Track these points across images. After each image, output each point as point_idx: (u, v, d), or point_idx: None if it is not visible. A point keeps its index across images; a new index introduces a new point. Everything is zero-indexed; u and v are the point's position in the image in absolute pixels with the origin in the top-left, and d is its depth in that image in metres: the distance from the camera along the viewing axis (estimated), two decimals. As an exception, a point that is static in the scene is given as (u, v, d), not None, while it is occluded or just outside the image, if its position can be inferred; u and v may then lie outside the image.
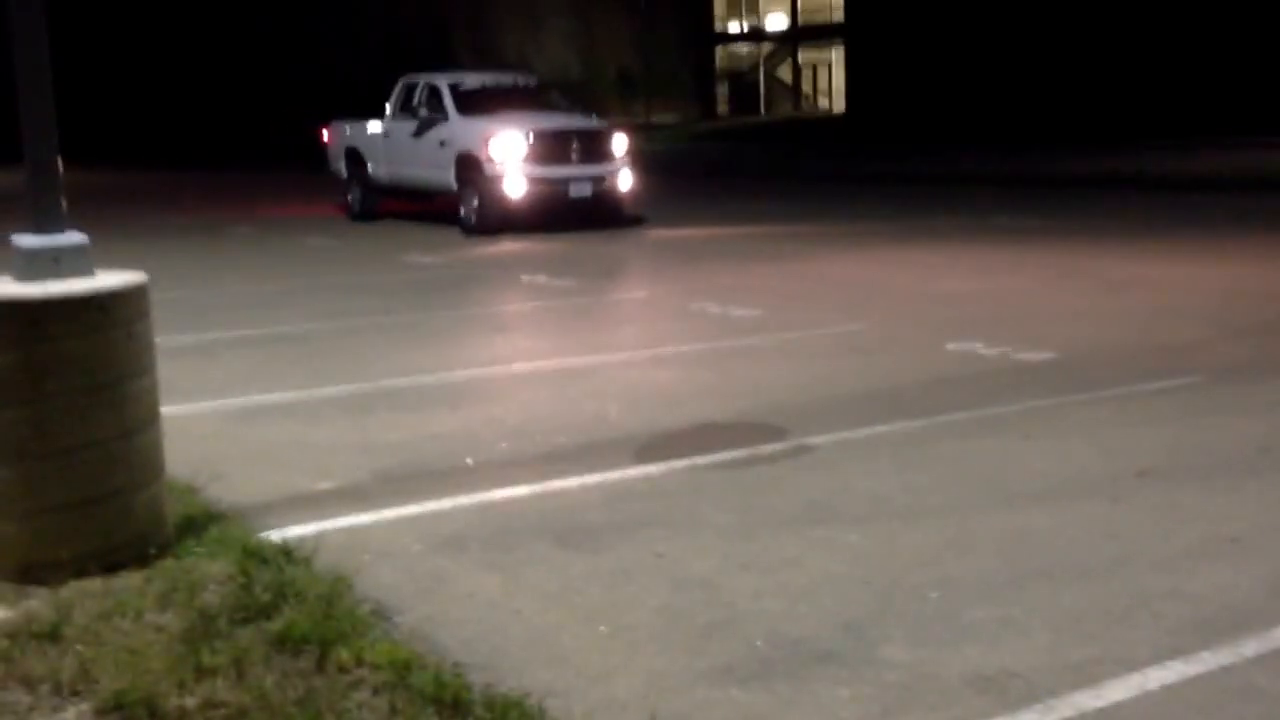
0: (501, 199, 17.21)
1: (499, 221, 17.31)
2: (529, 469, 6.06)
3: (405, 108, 19.36)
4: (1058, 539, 4.93)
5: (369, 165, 20.11)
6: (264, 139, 43.46)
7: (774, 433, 6.60)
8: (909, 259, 13.78)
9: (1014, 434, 6.51)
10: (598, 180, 17.79)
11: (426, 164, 18.55)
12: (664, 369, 8.41)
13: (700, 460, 6.15)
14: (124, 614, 4.18)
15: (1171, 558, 4.68)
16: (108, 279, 4.67)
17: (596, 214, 17.88)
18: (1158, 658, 3.84)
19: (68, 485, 4.50)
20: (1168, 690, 3.65)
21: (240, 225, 20.26)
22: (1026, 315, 9.96)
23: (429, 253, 15.69)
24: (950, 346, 8.73)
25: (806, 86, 59.65)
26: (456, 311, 11.41)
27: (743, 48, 61.84)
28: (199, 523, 5.06)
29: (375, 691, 3.67)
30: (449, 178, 18.03)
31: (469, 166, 17.63)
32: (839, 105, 54.31)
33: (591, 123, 19.08)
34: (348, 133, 20.94)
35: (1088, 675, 3.74)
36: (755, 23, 60.77)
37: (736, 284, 12.24)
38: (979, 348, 8.65)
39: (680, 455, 6.24)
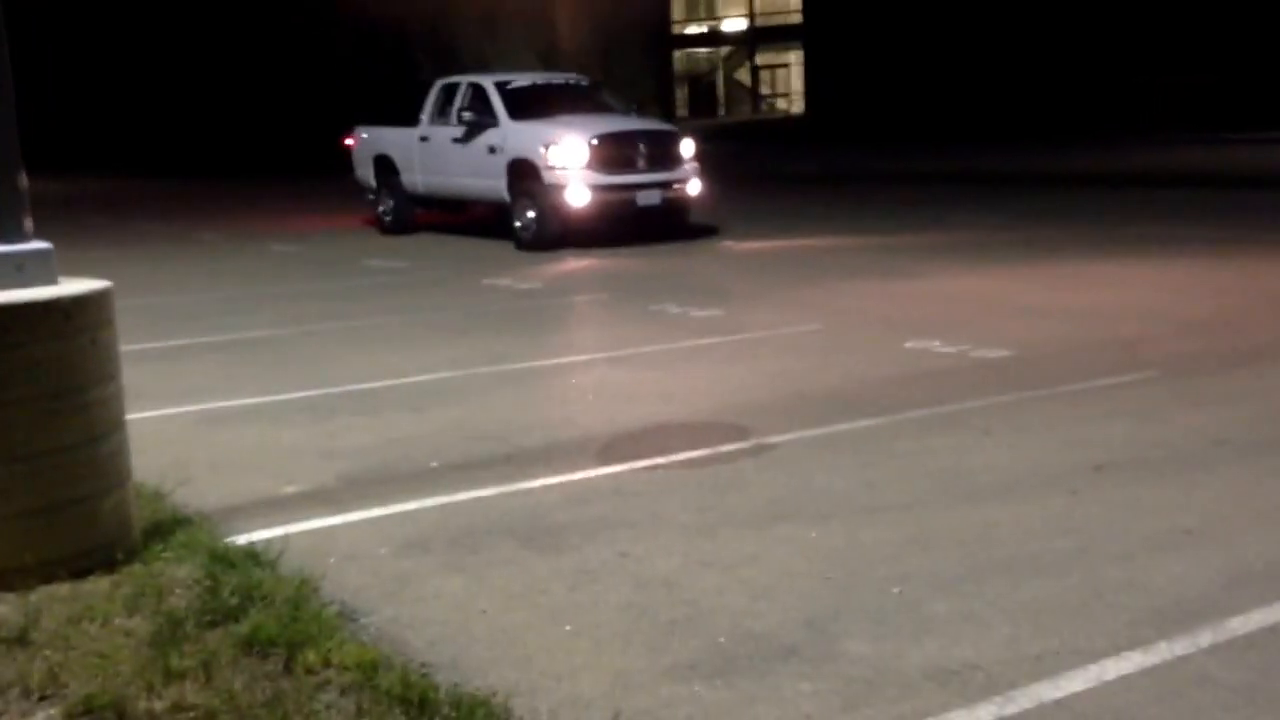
0: (563, 210, 15.61)
1: (559, 234, 15.74)
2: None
3: (444, 111, 17.71)
4: (1017, 533, 5.01)
5: (402, 174, 18.36)
6: (244, 146, 43.23)
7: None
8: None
9: (973, 430, 6.59)
10: (666, 187, 16.14)
11: (472, 172, 16.92)
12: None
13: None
14: (92, 618, 4.19)
15: (1128, 550, 4.77)
16: (72, 286, 4.68)
17: (665, 224, 16.38)
18: (1115, 649, 3.91)
19: (33, 491, 4.50)
20: (1125, 681, 3.72)
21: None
22: (983, 312, 10.05)
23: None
24: (908, 345, 8.82)
25: (765, 88, 59.87)
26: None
27: (701, 50, 62.01)
28: (166, 527, 5.07)
29: (342, 692, 3.69)
30: (500, 187, 16.40)
31: (525, 175, 16.00)
32: (797, 106, 54.54)
33: (659, 125, 17.94)
34: (376, 138, 19.19)
35: (1046, 667, 3.81)
36: (713, 25, 60.95)
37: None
38: (936, 345, 8.74)
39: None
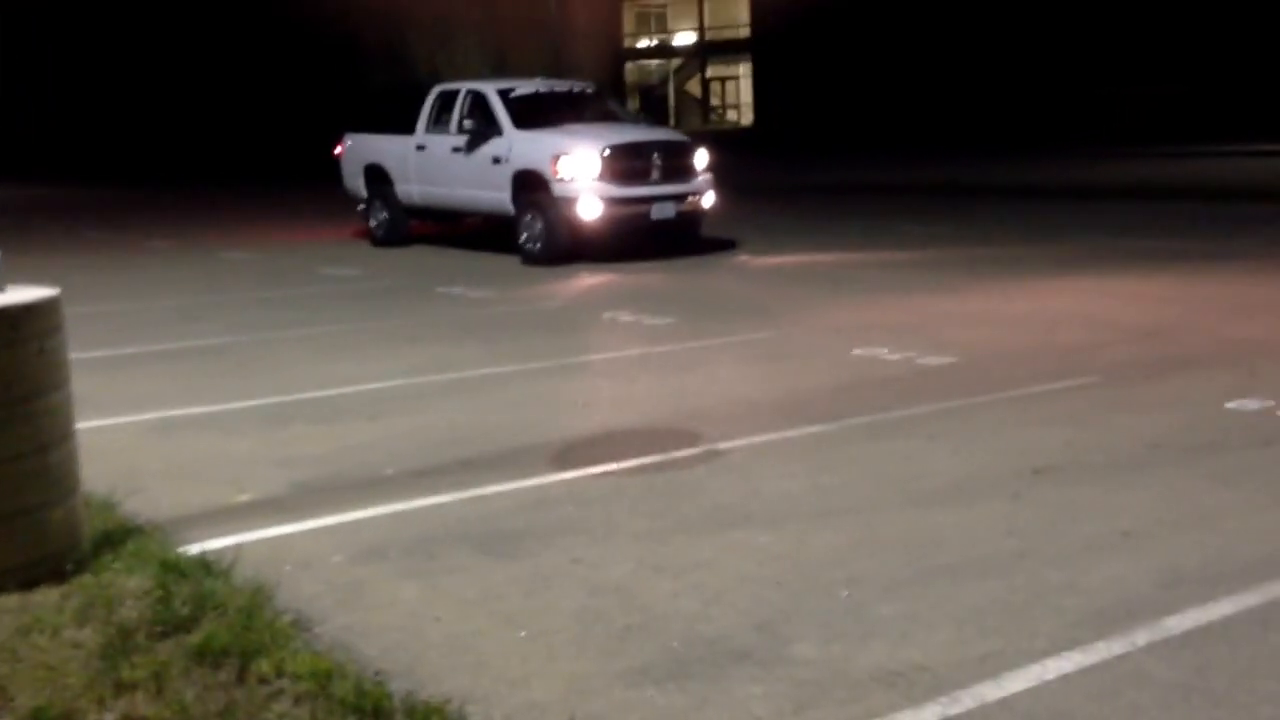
0: (573, 223, 14.86)
1: (568, 248, 14.97)
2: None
3: (441, 120, 16.91)
4: (961, 536, 5.10)
5: (396, 184, 17.57)
6: (202, 153, 42.93)
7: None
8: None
9: (919, 435, 6.69)
10: (681, 199, 15.38)
11: (474, 183, 16.12)
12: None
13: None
14: (41, 630, 4.18)
15: (1068, 552, 4.87)
16: (18, 294, 4.67)
17: (679, 238, 15.71)
18: (1056, 649, 4.00)
19: (-18, 501, 4.49)
20: (1065, 680, 3.80)
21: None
22: (929, 321, 10.18)
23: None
24: (856, 352, 8.92)
25: (715, 100, 60.12)
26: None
27: (652, 63, 62.18)
28: (117, 537, 5.06)
29: (296, 702, 3.70)
30: (504, 199, 15.61)
31: (532, 186, 15.24)
32: (746, 118, 54.80)
33: (672, 134, 17.28)
34: (367, 147, 18.31)
35: (990, 667, 3.89)
36: (664, 38, 61.15)
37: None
38: (884, 353, 8.84)
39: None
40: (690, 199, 15.52)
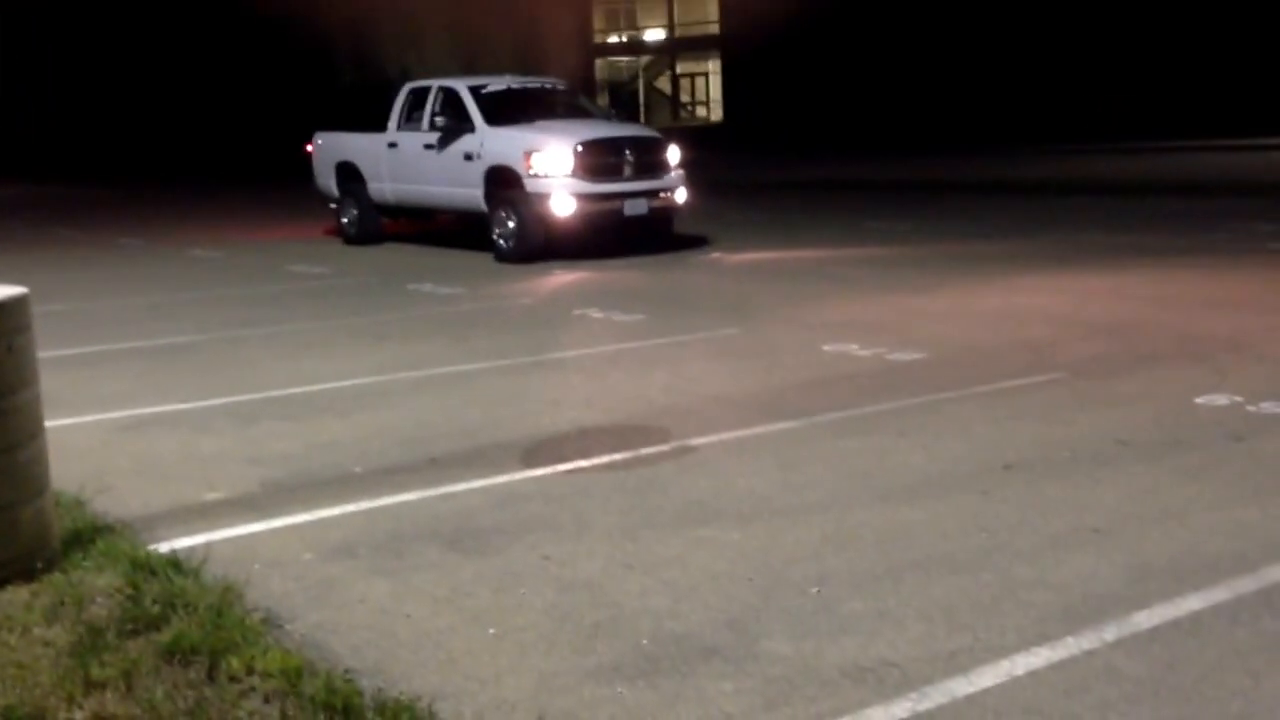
0: (546, 220, 14.85)
1: (541, 246, 14.96)
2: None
3: (413, 117, 16.85)
4: (930, 532, 5.12)
5: (368, 182, 17.52)
6: (180, 153, 42.78)
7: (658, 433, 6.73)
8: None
9: (889, 432, 6.72)
10: (653, 196, 15.35)
11: (446, 180, 16.08)
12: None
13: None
14: (10, 629, 4.16)
15: (1038, 548, 4.90)
16: (-14, 292, 4.65)
17: (651, 235, 15.70)
18: (1025, 644, 4.02)
19: (-50, 501, 4.47)
20: (1034, 675, 3.83)
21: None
22: (899, 317, 10.22)
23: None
24: (826, 348, 8.95)
25: (685, 96, 60.13)
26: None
27: (622, 59, 62.12)
28: (86, 536, 5.04)
29: (266, 700, 3.70)
30: (477, 196, 15.57)
31: (504, 183, 15.20)
32: (716, 114, 54.86)
33: (644, 130, 17.20)
34: (339, 145, 18.21)
35: (959, 663, 3.91)
36: (634, 35, 61.11)
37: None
38: (854, 349, 8.87)
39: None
40: (663, 195, 15.52)
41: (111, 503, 5.59)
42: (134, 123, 47.89)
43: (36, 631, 4.16)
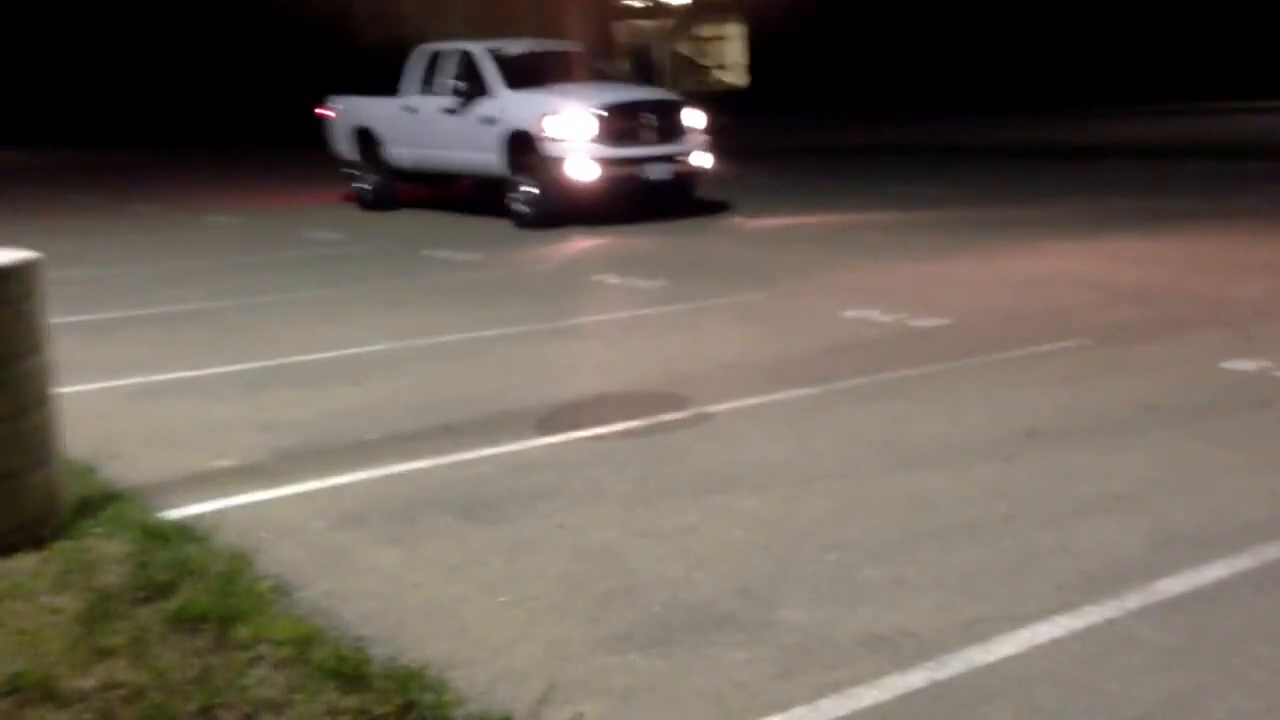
0: (567, 185, 14.66)
1: (560, 211, 14.77)
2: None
3: (431, 81, 16.65)
4: (950, 499, 5.04)
5: (386, 147, 17.42)
6: (193, 118, 42.78)
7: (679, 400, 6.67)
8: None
9: (910, 398, 6.63)
10: (675, 160, 15.18)
11: (465, 145, 15.87)
12: None
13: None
14: (19, 596, 4.15)
15: (1059, 515, 4.81)
16: (-5, 257, 4.61)
17: (673, 200, 15.43)
18: (1045, 613, 3.95)
19: (-42, 467, 4.44)
20: (1055, 644, 3.75)
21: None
22: (921, 282, 10.11)
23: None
24: (847, 314, 8.85)
25: (708, 60, 59.79)
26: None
27: (644, 23, 61.78)
28: (96, 503, 5.01)
29: (275, 667, 3.67)
30: (496, 161, 15.37)
31: (524, 148, 14.97)
32: (738, 78, 54.55)
33: (665, 94, 16.88)
34: (356, 109, 18.13)
35: (978, 632, 3.84)
36: (655, -2, 60.73)
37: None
38: (875, 315, 8.78)
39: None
40: (684, 160, 15.33)
41: (122, 469, 5.57)
42: (147, 88, 47.81)
43: (45, 599, 4.14)
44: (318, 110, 18.92)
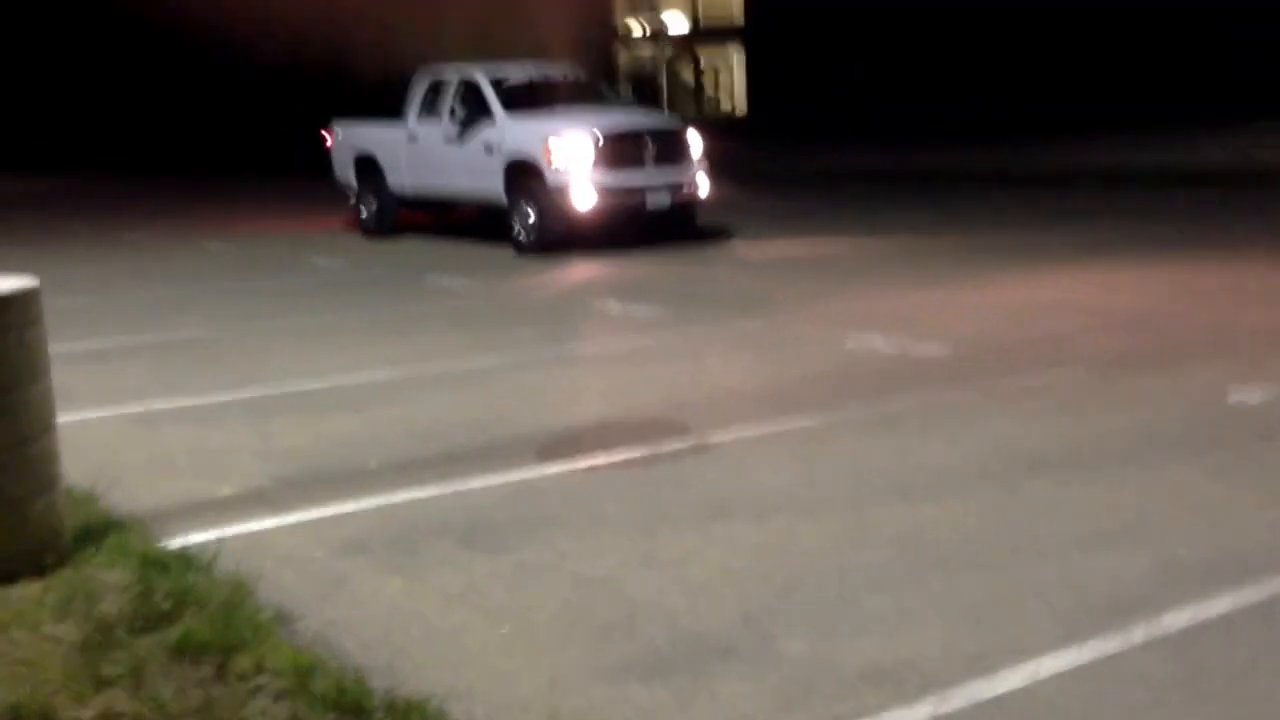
0: (567, 212, 14.59)
1: (562, 238, 14.70)
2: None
3: (432, 107, 16.66)
4: (952, 530, 5.03)
5: (388, 174, 17.36)
6: (197, 144, 42.94)
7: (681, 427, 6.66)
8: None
9: (912, 427, 6.62)
10: (676, 188, 15.17)
11: (466, 172, 15.89)
12: None
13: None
14: (20, 625, 4.13)
15: (1062, 547, 4.80)
16: (-4, 284, 4.61)
17: (674, 227, 15.43)
18: (1050, 646, 3.93)
19: (-41, 495, 4.43)
20: (1059, 678, 3.74)
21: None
22: (923, 310, 10.11)
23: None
24: (848, 343, 8.85)
25: (708, 88, 59.99)
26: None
27: (644, 49, 62.01)
28: (97, 531, 4.99)
29: (276, 698, 3.65)
30: (496, 188, 15.36)
31: (524, 175, 15.00)
32: (740, 106, 54.72)
33: (666, 120, 16.97)
34: (358, 136, 18.06)
35: (982, 665, 3.82)
36: (656, 24, 60.98)
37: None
38: (877, 343, 8.77)
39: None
40: (685, 187, 15.31)
41: (123, 497, 5.55)
42: (147, 114, 47.94)
43: (46, 628, 4.12)
44: (325, 136, 18.92)
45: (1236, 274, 11.47)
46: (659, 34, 60.38)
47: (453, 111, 16.16)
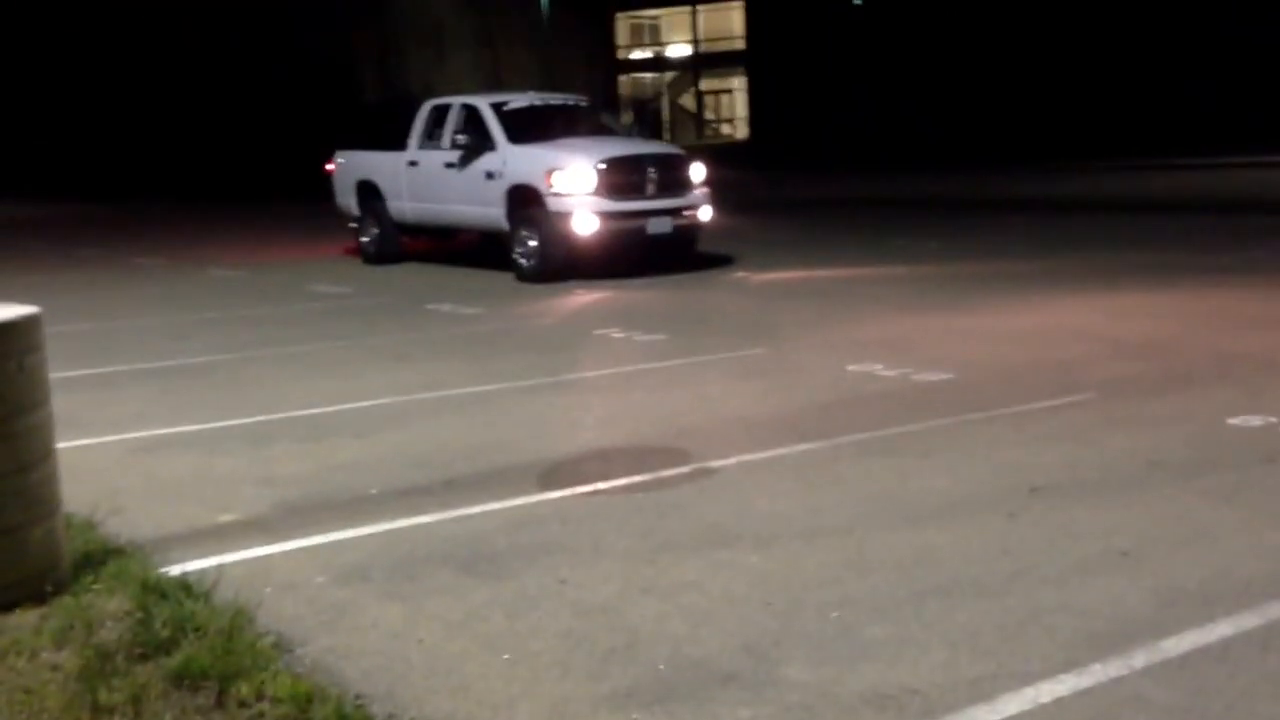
0: (568, 239, 14.66)
1: (563, 265, 14.79)
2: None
3: (434, 135, 16.72)
4: (955, 556, 5.02)
5: (389, 201, 17.41)
6: (198, 171, 43.00)
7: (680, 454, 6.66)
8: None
9: (913, 453, 6.62)
10: (678, 214, 15.19)
11: (468, 199, 15.92)
12: None
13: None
14: (19, 653, 4.12)
15: (1064, 572, 4.79)
16: (-2, 312, 4.62)
17: (676, 254, 15.48)
18: (1050, 671, 3.93)
19: (-41, 522, 4.42)
20: (1059, 703, 3.73)
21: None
22: (925, 336, 10.12)
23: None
24: (850, 369, 8.85)
25: (709, 114, 60.17)
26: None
27: (646, 76, 62.22)
28: (97, 558, 4.99)
29: (276, 726, 3.64)
30: (498, 215, 15.40)
31: (526, 202, 15.03)
32: (741, 132, 54.87)
33: (667, 148, 17.12)
34: (359, 163, 18.10)
35: (983, 690, 3.82)
36: (658, 51, 61.20)
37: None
38: (879, 369, 8.78)
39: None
40: (687, 213, 15.36)
41: (123, 524, 5.55)
42: (150, 141, 48.03)
43: (45, 655, 4.12)
44: (329, 166, 18.96)
45: (1241, 300, 11.47)
46: (662, 60, 60.65)
47: (454, 139, 16.20)
